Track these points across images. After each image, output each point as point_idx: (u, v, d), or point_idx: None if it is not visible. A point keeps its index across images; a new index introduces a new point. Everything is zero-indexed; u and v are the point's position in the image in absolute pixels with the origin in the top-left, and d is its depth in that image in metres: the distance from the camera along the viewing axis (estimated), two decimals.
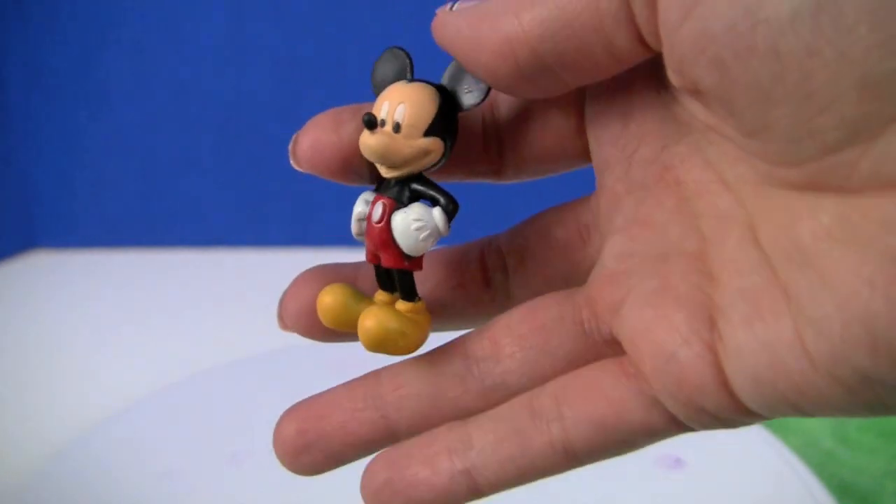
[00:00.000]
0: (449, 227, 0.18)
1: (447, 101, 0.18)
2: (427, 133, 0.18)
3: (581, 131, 0.19)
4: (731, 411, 0.16)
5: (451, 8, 0.18)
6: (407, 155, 0.18)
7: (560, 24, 0.15)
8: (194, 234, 0.73)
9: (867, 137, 0.13)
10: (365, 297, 0.19)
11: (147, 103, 0.71)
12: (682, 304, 0.16)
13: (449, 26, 0.17)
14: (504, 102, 0.20)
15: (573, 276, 0.20)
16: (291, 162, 0.19)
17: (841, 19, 0.12)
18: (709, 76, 0.14)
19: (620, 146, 0.18)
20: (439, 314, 0.20)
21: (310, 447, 0.19)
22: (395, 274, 0.18)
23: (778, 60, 0.13)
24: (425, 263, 0.19)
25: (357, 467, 0.19)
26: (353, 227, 0.19)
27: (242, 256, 0.70)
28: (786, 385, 0.14)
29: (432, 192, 0.18)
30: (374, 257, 0.19)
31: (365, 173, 0.19)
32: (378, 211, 0.18)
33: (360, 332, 0.18)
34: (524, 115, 0.19)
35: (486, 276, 0.20)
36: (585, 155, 0.20)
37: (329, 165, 0.18)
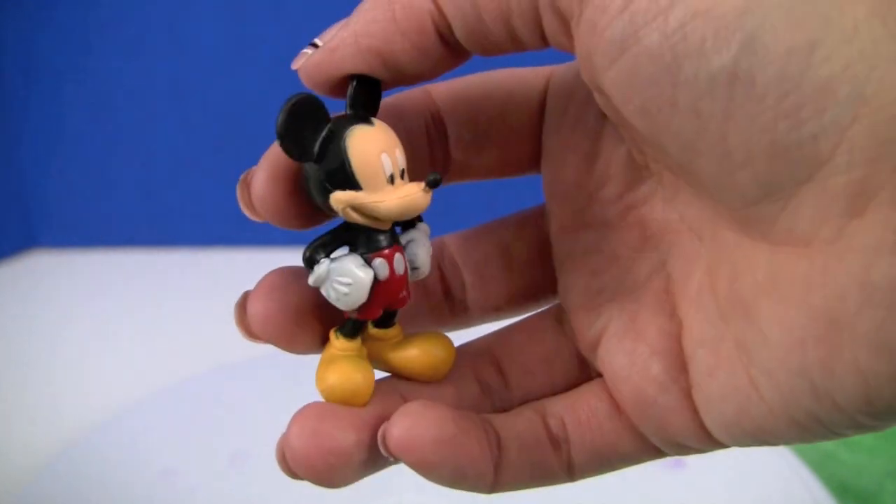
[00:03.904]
0: None
1: None
2: None
3: (535, 156, 0.20)
4: (707, 444, 0.17)
5: (315, 46, 0.17)
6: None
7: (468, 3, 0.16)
8: (194, 234, 0.73)
9: (783, 196, 0.14)
10: (359, 360, 0.18)
11: (147, 103, 0.70)
12: (656, 351, 0.17)
13: (346, 38, 0.16)
14: (452, 117, 0.19)
15: (534, 293, 0.21)
16: (243, 207, 0.17)
17: (753, 87, 0.13)
18: (636, 120, 0.15)
19: (581, 186, 0.19)
20: (402, 321, 0.20)
21: (363, 459, 0.17)
22: (388, 312, 0.18)
23: (698, 119, 0.14)
24: None
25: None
26: (362, 297, 0.16)
27: (242, 256, 0.70)
28: (751, 427, 0.16)
29: (413, 218, 0.18)
30: (380, 311, 0.17)
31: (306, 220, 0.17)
32: (400, 262, 0.17)
33: (417, 365, 0.18)
34: (475, 138, 0.19)
35: (446, 288, 0.20)
36: (537, 170, 0.20)
37: (290, 209, 0.17)
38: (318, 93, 0.17)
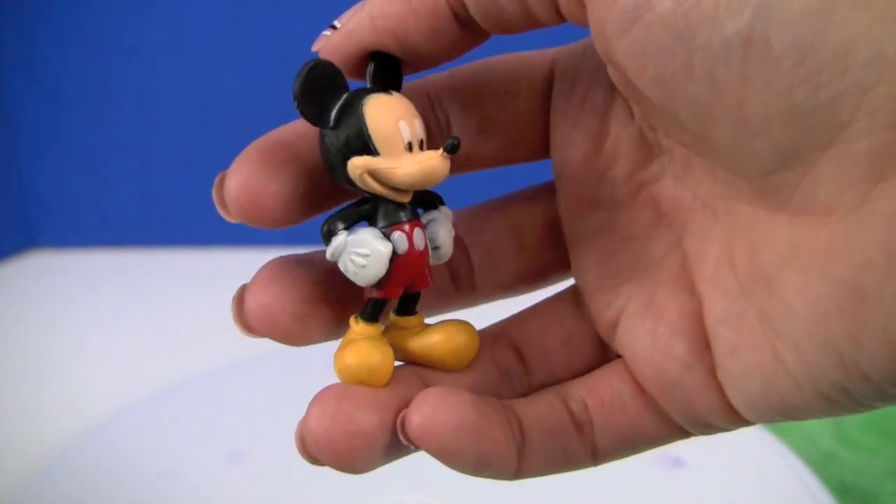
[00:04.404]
0: None
1: None
2: None
3: (544, 139, 0.19)
4: (733, 423, 0.17)
5: (334, 28, 0.17)
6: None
7: None
8: (194, 234, 0.73)
9: (804, 163, 0.14)
10: (380, 342, 0.17)
11: (147, 103, 0.70)
12: (678, 330, 0.17)
13: (363, 21, 0.17)
14: (456, 107, 0.19)
15: (543, 272, 0.20)
16: (218, 208, 0.17)
17: (768, 52, 0.13)
18: (651, 89, 0.15)
19: (591, 165, 0.19)
20: None
21: (385, 442, 0.16)
22: (407, 294, 0.18)
23: (714, 85, 0.14)
24: None
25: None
26: (379, 271, 0.16)
27: (242, 256, 0.70)
28: (777, 402, 0.15)
29: (428, 196, 0.18)
30: (400, 289, 0.17)
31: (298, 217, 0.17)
32: (420, 237, 0.17)
33: (444, 351, 0.18)
34: (482, 124, 0.19)
35: (452, 270, 0.20)
36: (547, 154, 0.20)
37: (268, 210, 0.16)
38: None
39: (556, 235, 0.20)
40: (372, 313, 0.17)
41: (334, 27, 0.17)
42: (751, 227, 0.16)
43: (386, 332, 0.18)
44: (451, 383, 0.18)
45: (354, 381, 0.17)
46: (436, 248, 0.17)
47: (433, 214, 0.18)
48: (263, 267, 0.17)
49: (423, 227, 0.17)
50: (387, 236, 0.17)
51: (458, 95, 0.19)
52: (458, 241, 0.20)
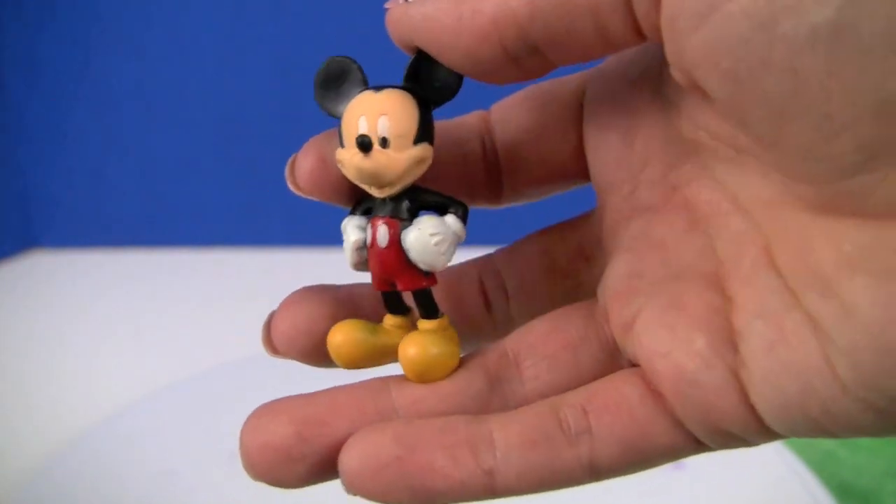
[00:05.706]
0: (465, 230, 0.18)
1: (422, 101, 0.17)
2: (416, 140, 0.17)
3: (580, 153, 0.19)
4: (755, 434, 0.16)
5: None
6: (403, 170, 0.16)
7: (552, 4, 0.15)
8: (194, 234, 0.73)
9: (885, 163, 0.13)
10: (378, 327, 0.18)
11: (147, 103, 0.71)
12: (700, 325, 0.16)
13: (413, 17, 0.16)
14: (500, 125, 0.19)
15: (577, 297, 0.20)
16: (290, 186, 0.18)
17: (859, 41, 0.12)
18: (720, 87, 0.14)
19: (625, 167, 0.18)
20: None
21: (306, 456, 0.16)
22: (413, 295, 0.18)
23: (795, 78, 0.13)
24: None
25: None
26: (352, 258, 0.18)
27: (242, 256, 0.70)
28: (816, 410, 0.14)
29: (438, 200, 0.18)
30: (384, 284, 0.17)
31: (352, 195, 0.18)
32: (383, 234, 0.17)
33: (403, 362, 0.17)
34: (522, 139, 0.19)
35: (487, 300, 0.20)
36: (585, 176, 0.19)
37: (334, 188, 0.18)
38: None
39: (588, 258, 0.20)
40: (386, 305, 0.18)
41: None
42: (808, 228, 0.15)
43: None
44: (422, 395, 0.17)
45: (334, 354, 0.18)
46: (406, 250, 0.17)
47: (419, 219, 0.17)
48: (291, 294, 0.18)
49: (396, 226, 0.17)
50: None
51: (497, 110, 0.19)
52: (493, 271, 0.20)
